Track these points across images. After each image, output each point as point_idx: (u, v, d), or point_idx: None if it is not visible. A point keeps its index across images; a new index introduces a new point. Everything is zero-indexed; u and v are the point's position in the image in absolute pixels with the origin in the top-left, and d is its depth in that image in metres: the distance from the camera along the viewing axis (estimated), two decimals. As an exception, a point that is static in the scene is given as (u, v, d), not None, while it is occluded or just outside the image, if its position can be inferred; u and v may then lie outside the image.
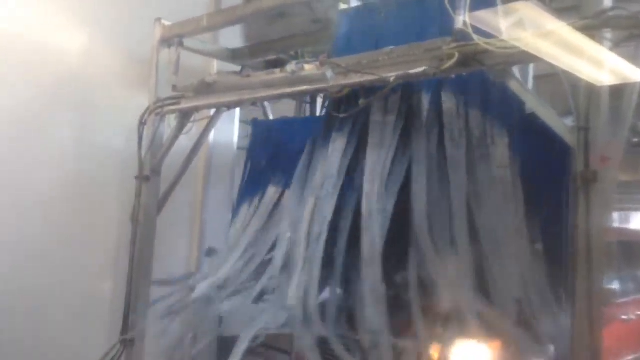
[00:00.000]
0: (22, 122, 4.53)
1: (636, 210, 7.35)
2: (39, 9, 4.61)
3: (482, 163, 3.57)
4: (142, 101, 4.89)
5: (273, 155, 4.90)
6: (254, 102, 3.84)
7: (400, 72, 3.18)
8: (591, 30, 2.72)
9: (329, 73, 3.36)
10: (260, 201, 4.76)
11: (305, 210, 3.92)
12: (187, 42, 4.87)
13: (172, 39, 4.81)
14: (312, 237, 3.80)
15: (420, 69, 3.17)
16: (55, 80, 4.73)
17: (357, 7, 4.26)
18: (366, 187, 3.69)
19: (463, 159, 3.60)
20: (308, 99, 5.65)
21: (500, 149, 3.54)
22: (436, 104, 3.75)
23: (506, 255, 3.34)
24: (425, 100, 3.75)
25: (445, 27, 3.20)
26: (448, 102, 3.70)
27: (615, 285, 4.37)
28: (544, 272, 3.34)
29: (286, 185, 4.53)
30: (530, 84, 4.17)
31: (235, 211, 5.02)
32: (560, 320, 3.15)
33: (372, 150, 3.77)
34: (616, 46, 2.75)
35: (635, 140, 4.77)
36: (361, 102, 3.45)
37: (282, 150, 4.76)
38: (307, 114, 5.85)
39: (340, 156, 3.90)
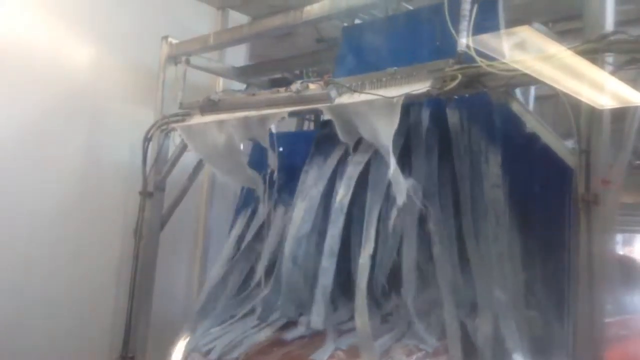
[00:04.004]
0: (31, 136, 4.58)
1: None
2: (50, 25, 4.69)
3: (477, 181, 3.57)
4: (149, 117, 4.95)
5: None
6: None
7: (404, 92, 3.20)
8: (593, 53, 2.74)
9: (333, 92, 3.39)
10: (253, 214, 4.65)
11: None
12: (194, 59, 4.94)
13: (179, 57, 4.87)
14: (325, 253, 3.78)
15: (423, 90, 3.20)
16: (63, 95, 4.79)
17: (361, 25, 4.37)
18: (369, 202, 3.71)
19: (468, 176, 3.59)
20: (312, 117, 5.69)
21: (493, 168, 3.54)
22: (436, 119, 3.74)
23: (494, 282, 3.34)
24: (425, 115, 3.75)
25: (446, 44, 3.26)
26: (452, 117, 3.67)
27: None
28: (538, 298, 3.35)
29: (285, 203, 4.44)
30: (532, 105, 4.23)
31: (232, 223, 4.92)
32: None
33: (375, 168, 3.79)
34: (618, 70, 2.77)
35: (638, 162, 4.78)
36: None
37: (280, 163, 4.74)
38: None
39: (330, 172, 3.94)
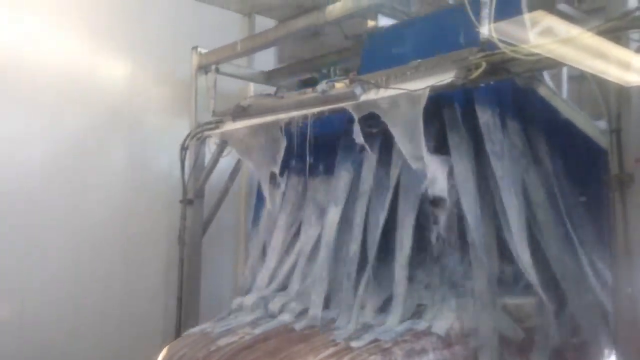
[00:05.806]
0: (74, 153, 4.79)
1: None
2: (84, 44, 4.89)
3: (530, 173, 3.48)
4: (184, 126, 5.09)
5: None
6: (288, 122, 3.91)
7: (428, 85, 3.21)
8: (617, 31, 2.70)
9: (358, 90, 3.43)
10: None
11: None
12: (223, 67, 5.05)
13: (209, 66, 4.98)
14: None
15: (447, 80, 3.20)
16: (102, 112, 4.99)
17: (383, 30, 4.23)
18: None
19: (510, 173, 3.44)
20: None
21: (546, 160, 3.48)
22: (468, 117, 3.60)
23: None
24: (458, 113, 3.61)
25: (469, 37, 3.23)
26: (483, 114, 3.52)
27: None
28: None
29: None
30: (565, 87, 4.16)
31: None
32: None
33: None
34: (644, 46, 2.72)
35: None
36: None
37: None
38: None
39: (370, 170, 3.85)
